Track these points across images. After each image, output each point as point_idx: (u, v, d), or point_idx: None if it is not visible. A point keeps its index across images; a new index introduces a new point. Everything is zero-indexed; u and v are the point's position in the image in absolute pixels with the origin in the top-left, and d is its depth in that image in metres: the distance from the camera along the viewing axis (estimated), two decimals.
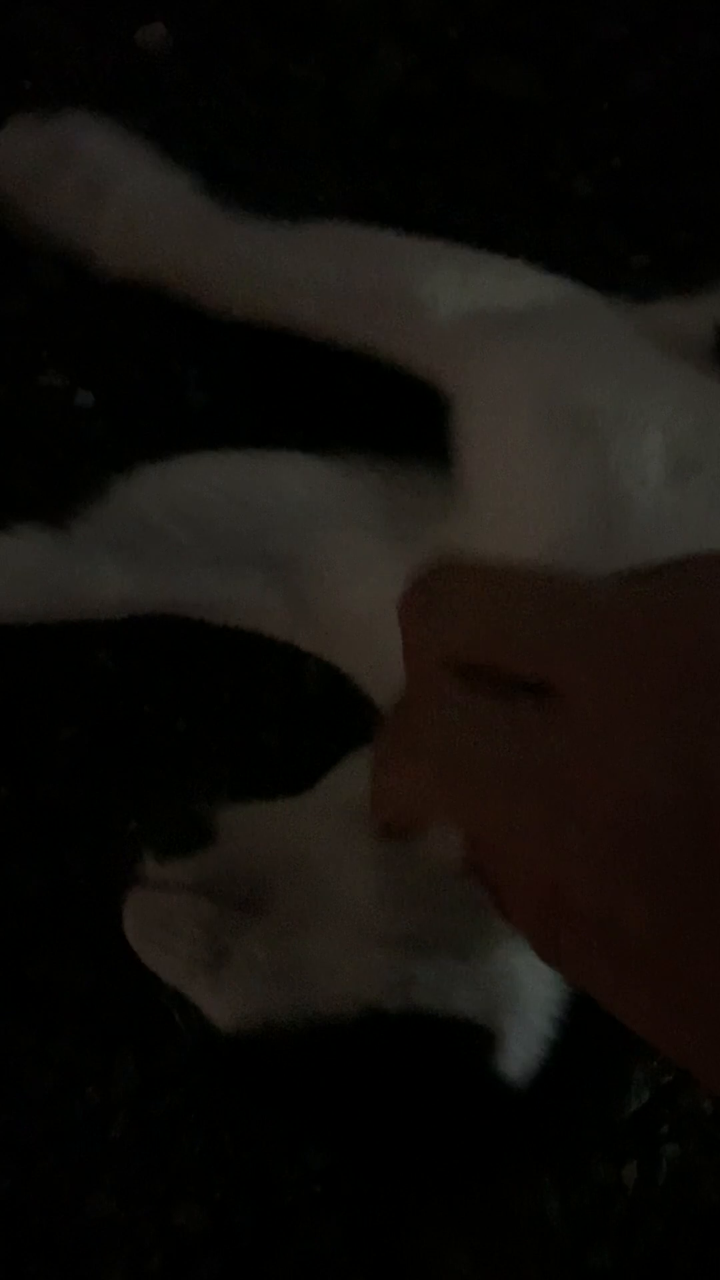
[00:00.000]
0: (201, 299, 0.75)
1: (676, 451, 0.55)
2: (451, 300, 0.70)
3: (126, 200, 0.76)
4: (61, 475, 0.81)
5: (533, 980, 0.49)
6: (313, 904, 0.50)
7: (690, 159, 0.94)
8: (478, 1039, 0.49)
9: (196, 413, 0.85)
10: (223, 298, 0.73)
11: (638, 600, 0.33)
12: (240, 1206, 0.73)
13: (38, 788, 0.75)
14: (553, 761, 0.32)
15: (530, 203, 0.93)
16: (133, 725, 0.78)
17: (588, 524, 0.53)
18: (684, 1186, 0.78)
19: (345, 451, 0.73)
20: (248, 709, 0.78)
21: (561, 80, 0.96)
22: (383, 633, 0.41)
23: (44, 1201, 0.71)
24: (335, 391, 0.80)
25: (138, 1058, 0.73)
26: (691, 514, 0.53)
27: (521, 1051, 0.49)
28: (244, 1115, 0.66)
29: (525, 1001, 0.49)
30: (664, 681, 0.31)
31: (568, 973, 0.35)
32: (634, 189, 0.93)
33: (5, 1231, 0.70)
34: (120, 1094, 0.72)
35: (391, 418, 0.75)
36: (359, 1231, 0.71)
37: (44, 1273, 0.70)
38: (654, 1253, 0.74)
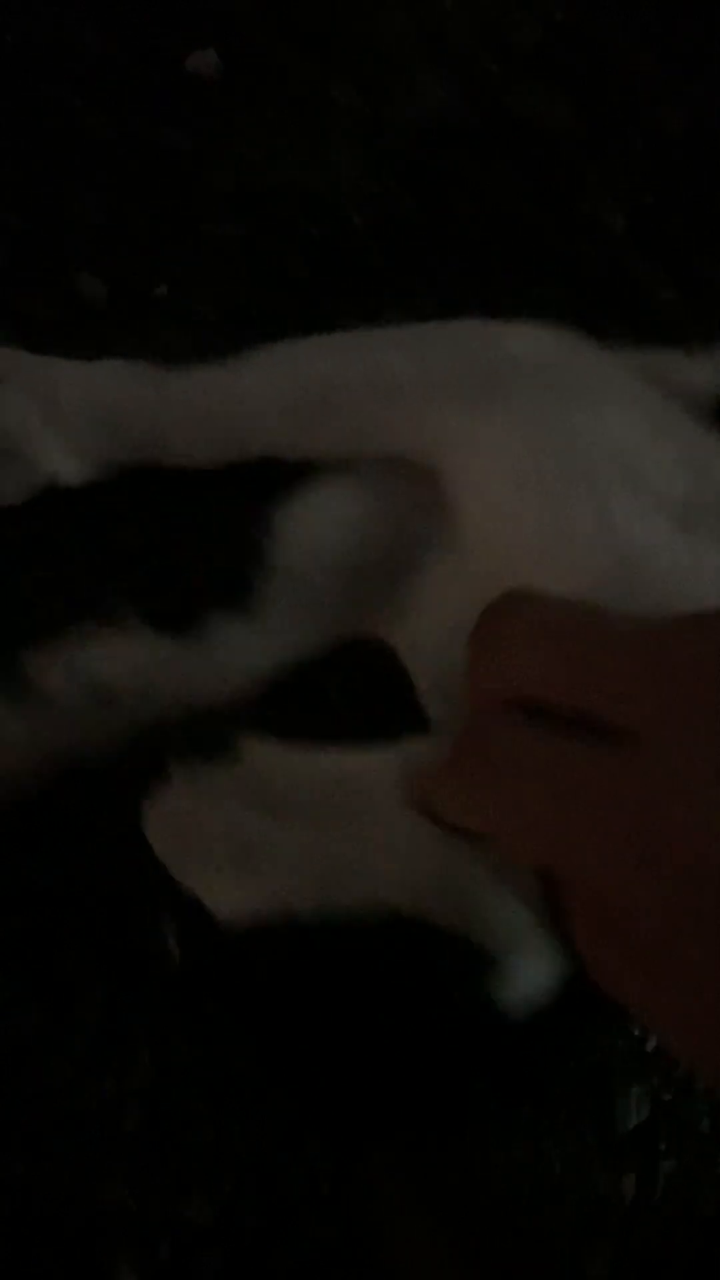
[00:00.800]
0: (173, 458, 0.76)
1: (682, 500, 0.57)
2: (423, 377, 0.71)
3: (84, 395, 0.77)
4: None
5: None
6: (348, 820, 0.51)
7: None
8: (486, 962, 0.49)
9: None
10: (195, 449, 0.74)
11: (713, 644, 0.35)
12: (246, 1203, 0.75)
13: (63, 779, 0.77)
14: (634, 804, 0.34)
15: (561, 233, 0.95)
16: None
17: (601, 575, 0.55)
18: (680, 1200, 0.79)
19: None
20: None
21: (597, 114, 0.98)
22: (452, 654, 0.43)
23: (56, 1188, 0.73)
24: None
25: (153, 1053, 0.74)
26: (707, 562, 0.55)
27: (522, 986, 0.49)
28: (237, 1042, 0.67)
29: (539, 948, 0.49)
30: None
31: (613, 990, 0.37)
32: (665, 224, 0.95)
33: (16, 1216, 0.72)
34: (135, 1086, 0.74)
35: None
36: (361, 1232, 0.73)
37: (53, 1257, 0.72)
38: (649, 1262, 0.76)
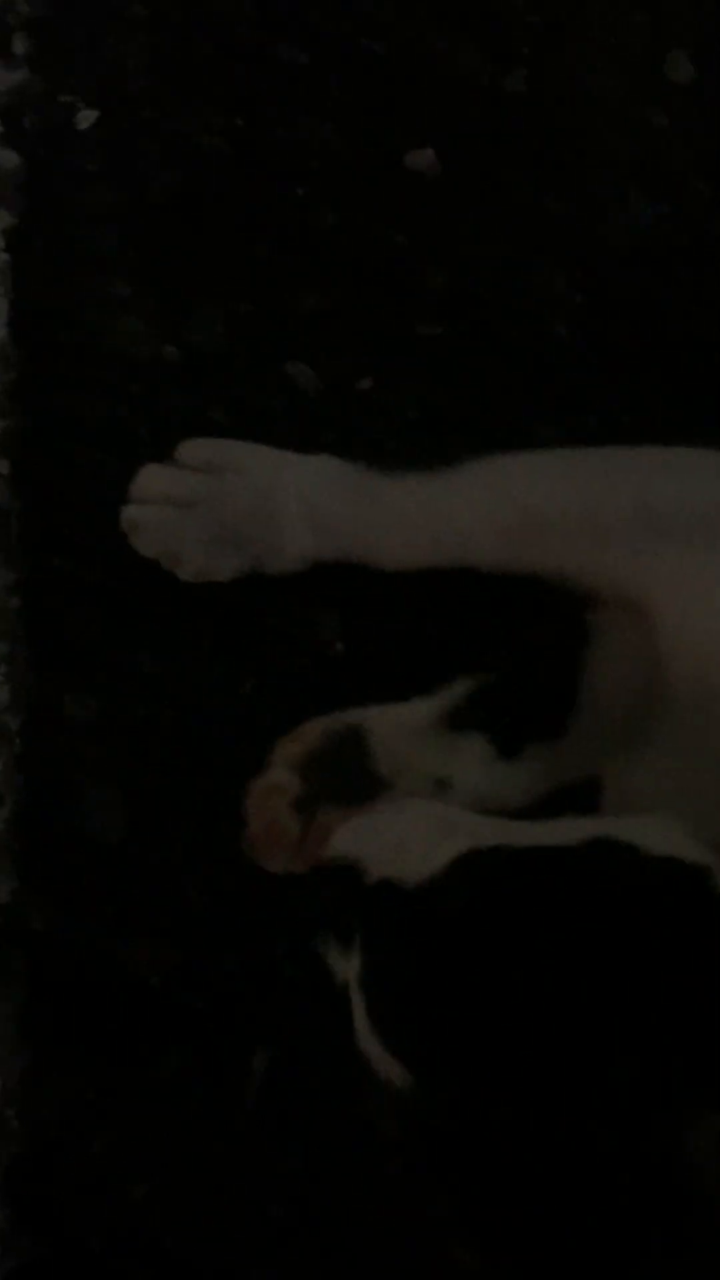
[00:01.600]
0: (378, 562, 0.77)
1: None
2: (640, 516, 0.71)
3: (299, 493, 0.79)
4: None
5: None
6: None
7: None
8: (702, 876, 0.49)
9: None
10: (400, 556, 0.75)
11: None
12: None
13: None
14: None
15: None
16: None
17: None
18: None
19: None
20: None
21: None
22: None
23: (205, 1267, 0.75)
24: None
25: (305, 1144, 0.76)
26: None
27: None
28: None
29: None
30: None
31: None
32: None
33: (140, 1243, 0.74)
34: (287, 1172, 0.76)
35: None
36: None
37: None
38: None
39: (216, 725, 0.82)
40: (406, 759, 0.70)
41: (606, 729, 0.68)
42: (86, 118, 0.94)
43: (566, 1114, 0.44)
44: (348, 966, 0.51)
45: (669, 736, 0.64)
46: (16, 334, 0.88)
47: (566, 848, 0.50)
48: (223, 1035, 0.77)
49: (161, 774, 0.82)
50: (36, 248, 0.90)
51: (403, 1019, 0.49)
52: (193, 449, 0.82)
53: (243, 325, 0.91)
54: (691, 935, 0.45)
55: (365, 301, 0.94)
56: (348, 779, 0.71)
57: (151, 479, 0.81)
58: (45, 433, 0.87)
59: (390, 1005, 0.49)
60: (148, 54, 0.96)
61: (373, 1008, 0.50)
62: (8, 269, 0.88)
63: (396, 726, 0.69)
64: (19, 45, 0.93)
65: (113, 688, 0.82)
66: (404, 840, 0.52)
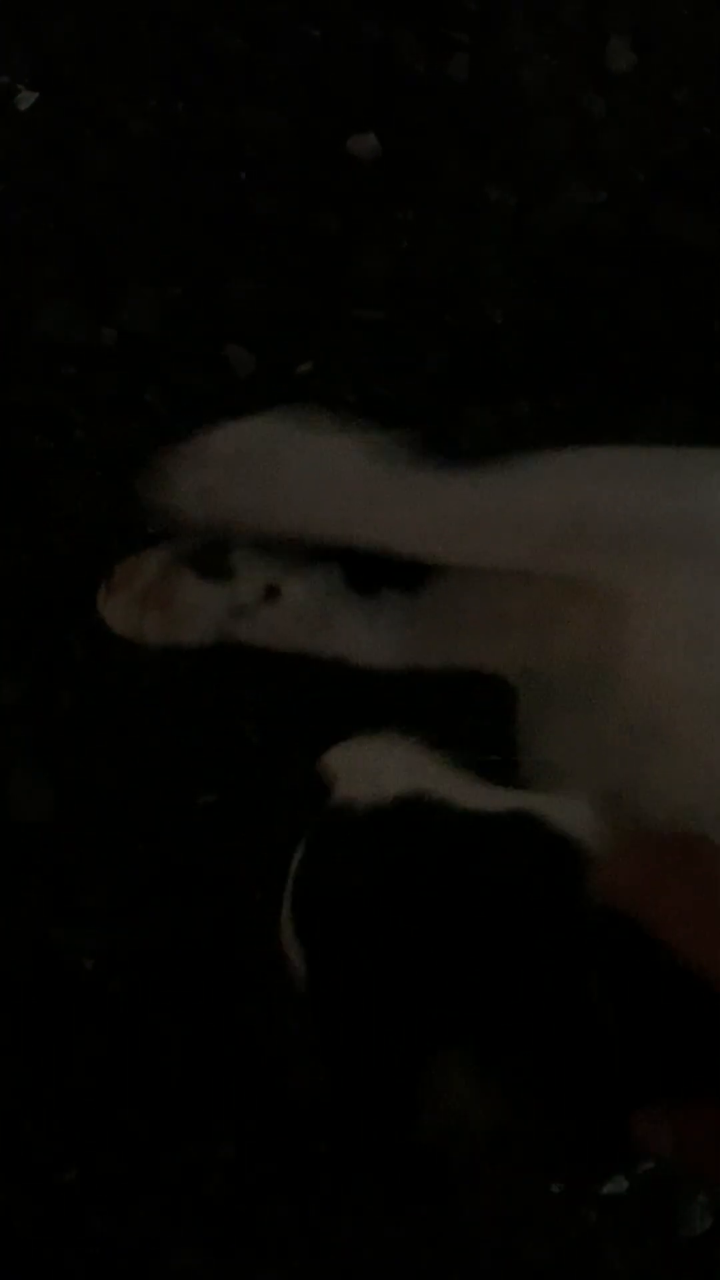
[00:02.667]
0: (400, 550, 0.72)
1: None
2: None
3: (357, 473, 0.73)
4: None
5: None
6: None
7: None
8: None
9: None
10: (423, 548, 0.71)
11: None
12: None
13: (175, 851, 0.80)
14: None
15: (692, 347, 0.98)
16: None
17: None
18: None
19: None
20: None
21: None
22: None
23: (134, 1248, 0.75)
24: None
25: (237, 1125, 0.76)
26: None
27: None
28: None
29: None
30: None
31: None
32: None
33: (94, 1271, 0.74)
34: (218, 1156, 0.76)
35: None
36: None
37: None
38: None
39: (146, 709, 0.82)
40: (257, 559, 0.70)
41: (478, 639, 0.68)
42: (26, 99, 0.93)
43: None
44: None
45: (608, 715, 0.65)
46: None
47: (492, 814, 0.57)
48: (151, 1017, 0.78)
49: (89, 757, 0.82)
50: None
51: (310, 908, 0.58)
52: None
53: (179, 308, 0.91)
54: (536, 896, 0.54)
55: (305, 286, 0.94)
56: (205, 556, 0.70)
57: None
58: None
59: (306, 895, 0.58)
60: (88, 37, 0.96)
61: (295, 894, 0.58)
62: None
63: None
64: None
65: (41, 672, 0.82)
66: (378, 771, 0.59)
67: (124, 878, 0.80)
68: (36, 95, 0.94)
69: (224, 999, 0.78)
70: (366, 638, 0.70)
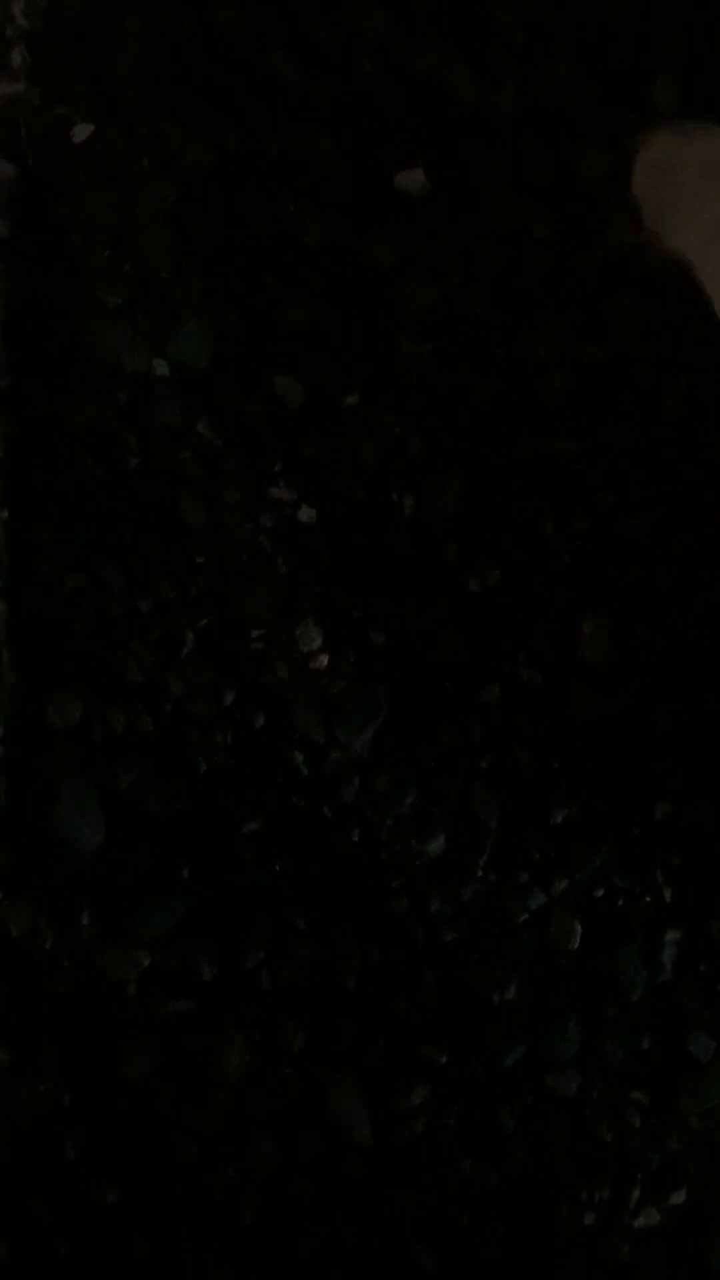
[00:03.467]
0: None
1: None
2: None
3: None
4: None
5: None
6: None
7: None
8: None
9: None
10: None
11: None
12: None
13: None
14: None
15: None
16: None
17: None
18: None
19: None
20: None
21: None
22: None
23: (173, 1269, 0.75)
24: None
25: (278, 1147, 0.77)
26: None
27: None
28: None
29: None
30: None
31: None
32: None
33: None
34: (257, 1178, 0.77)
35: None
36: None
37: None
38: None
39: (196, 735, 0.83)
40: None
41: None
42: (82, 131, 0.95)
43: None
44: None
45: None
46: (9, 342, 0.89)
47: None
48: (196, 1040, 0.79)
49: (139, 781, 0.83)
50: (30, 258, 0.91)
51: None
52: None
53: (231, 339, 0.92)
54: None
55: (353, 318, 0.95)
56: None
57: None
58: (34, 440, 0.88)
59: None
60: (142, 69, 0.97)
61: None
62: (1, 278, 0.89)
63: None
64: (16, 58, 0.94)
65: (93, 695, 0.83)
66: None
67: (170, 902, 0.81)
68: (92, 127, 0.95)
69: (267, 1023, 0.79)
70: None
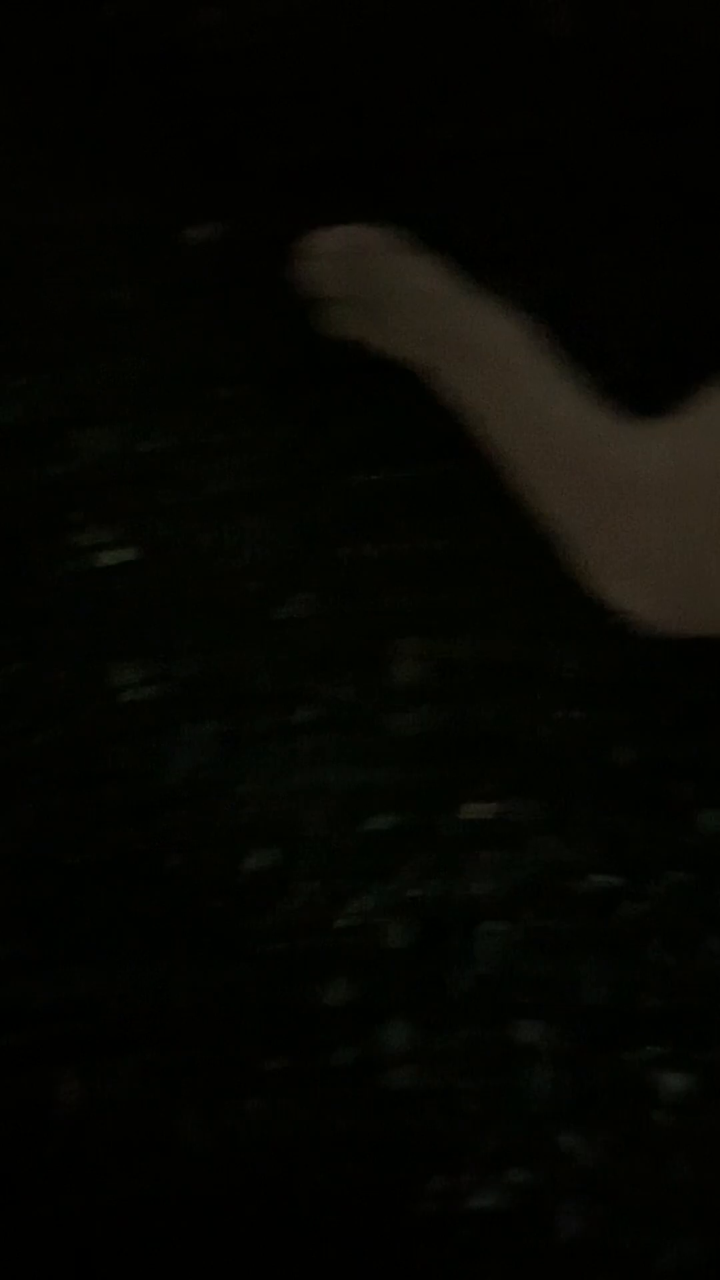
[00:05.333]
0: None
1: None
2: None
3: None
4: None
5: None
6: None
7: None
8: None
9: None
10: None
11: None
12: None
13: None
14: None
15: None
16: None
17: None
18: None
19: None
20: None
21: None
22: None
23: None
24: None
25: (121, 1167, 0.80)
26: None
27: None
28: None
29: None
30: None
31: None
32: None
33: None
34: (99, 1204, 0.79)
35: None
36: None
37: None
38: None
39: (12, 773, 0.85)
40: None
41: None
42: None
43: None
44: None
45: None
46: None
47: None
48: (29, 1068, 0.80)
49: None
50: None
51: None
52: None
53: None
54: None
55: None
56: None
57: None
58: None
59: None
60: None
61: None
62: None
63: None
64: None
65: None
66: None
67: None
68: None
69: (107, 1050, 0.81)
70: None
